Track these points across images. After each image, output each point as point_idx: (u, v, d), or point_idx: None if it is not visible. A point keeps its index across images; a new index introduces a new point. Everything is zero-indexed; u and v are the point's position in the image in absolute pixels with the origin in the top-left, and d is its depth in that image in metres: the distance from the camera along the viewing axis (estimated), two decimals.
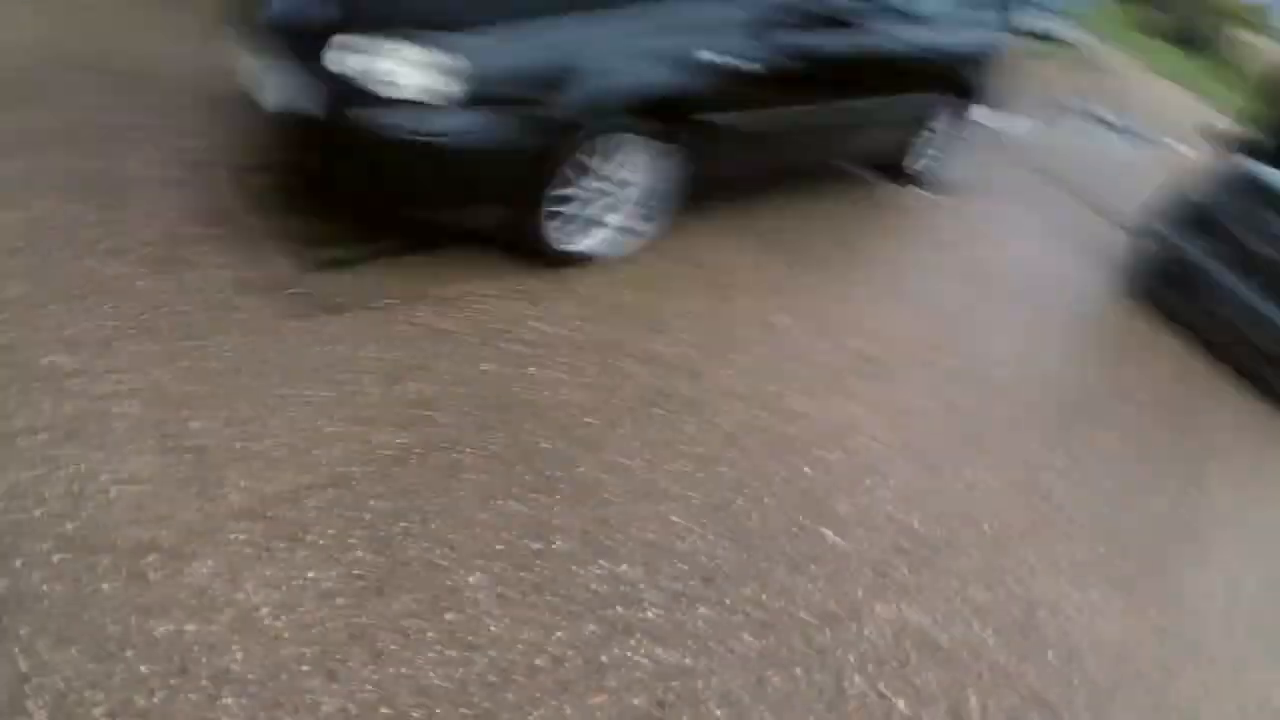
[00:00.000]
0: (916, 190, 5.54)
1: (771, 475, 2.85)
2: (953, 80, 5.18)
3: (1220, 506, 3.71)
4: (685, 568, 2.41)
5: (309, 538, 2.10)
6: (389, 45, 2.73)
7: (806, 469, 2.94)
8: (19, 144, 3.12)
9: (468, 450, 2.50)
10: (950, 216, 5.41)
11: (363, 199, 3.07)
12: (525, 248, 3.33)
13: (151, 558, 1.95)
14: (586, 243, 3.50)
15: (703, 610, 2.30)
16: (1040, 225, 5.89)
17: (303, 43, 2.85)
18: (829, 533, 2.71)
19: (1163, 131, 9.97)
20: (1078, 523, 3.22)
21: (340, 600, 1.99)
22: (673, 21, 3.30)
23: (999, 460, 3.36)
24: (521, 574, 2.21)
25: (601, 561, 2.33)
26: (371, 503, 2.24)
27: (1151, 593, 3.03)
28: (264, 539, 2.06)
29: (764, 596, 2.41)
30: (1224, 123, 7.06)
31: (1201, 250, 5.03)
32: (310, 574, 2.02)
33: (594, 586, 2.25)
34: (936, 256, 4.84)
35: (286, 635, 1.89)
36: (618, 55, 3.10)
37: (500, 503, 2.38)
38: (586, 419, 2.78)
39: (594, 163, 3.27)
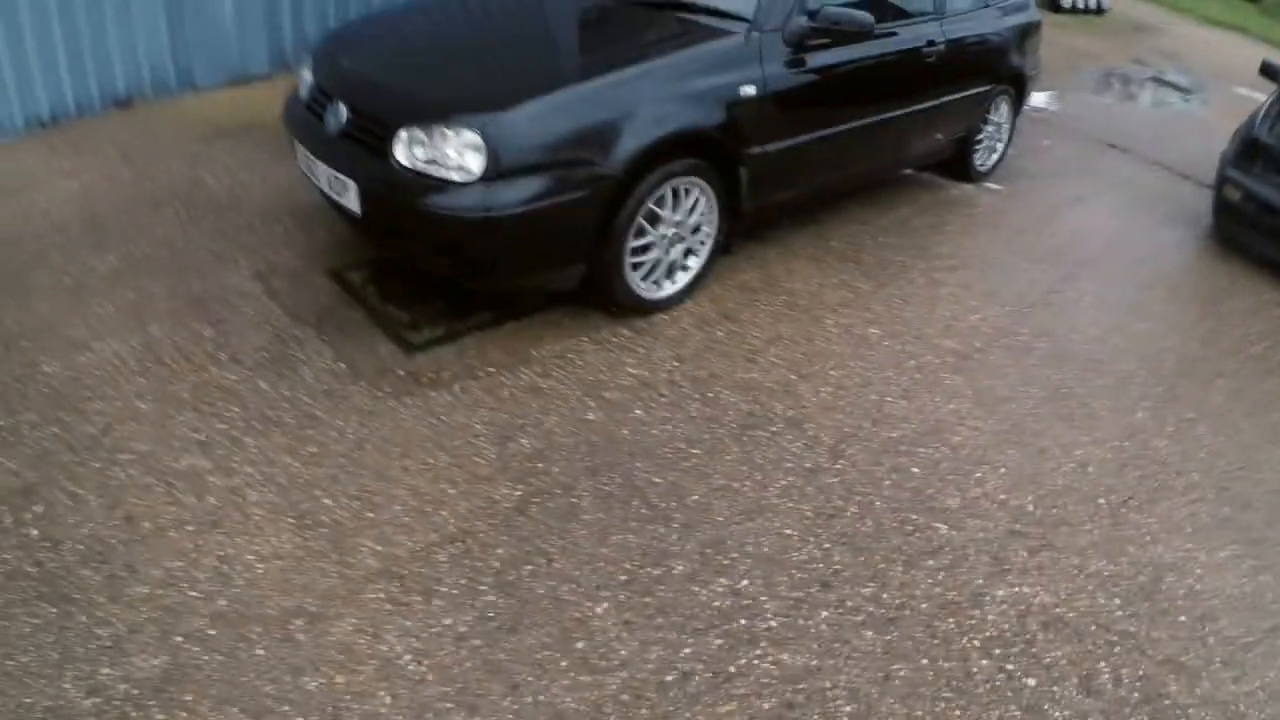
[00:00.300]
0: (983, 184, 5.52)
1: (879, 479, 2.89)
2: (1001, 69, 5.18)
3: None
4: (802, 576, 2.47)
5: (441, 589, 2.26)
6: (433, 132, 2.93)
7: (915, 469, 2.97)
8: (124, 276, 3.41)
9: (582, 494, 2.64)
10: (1020, 203, 5.37)
11: (446, 278, 3.30)
12: (614, 302, 3.46)
13: (298, 622, 2.14)
14: (671, 288, 3.61)
15: (824, 614, 2.36)
16: (1113, 196, 5.77)
17: (365, 142, 3.09)
18: (943, 527, 2.73)
19: (1229, 80, 9.63)
20: (1198, 485, 3.15)
21: (476, 641, 2.14)
22: (708, 62, 3.41)
23: (1107, 434, 3.32)
24: (645, 599, 2.32)
25: (721, 580, 2.42)
26: (497, 551, 2.40)
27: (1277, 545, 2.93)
28: (400, 594, 2.23)
29: (884, 594, 2.45)
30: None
31: (1271, 185, 4.89)
32: (446, 621, 2.18)
33: (715, 603, 2.34)
34: (1013, 245, 4.81)
35: (429, 678, 2.04)
36: (659, 104, 3.20)
37: (618, 537, 2.50)
38: (693, 450, 2.89)
39: (664, 210, 3.39)
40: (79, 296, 3.26)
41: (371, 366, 3.05)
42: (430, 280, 3.42)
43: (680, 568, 2.43)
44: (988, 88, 5.10)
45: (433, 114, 2.96)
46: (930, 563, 2.59)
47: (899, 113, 4.41)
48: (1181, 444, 3.36)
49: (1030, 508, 2.88)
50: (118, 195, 4.00)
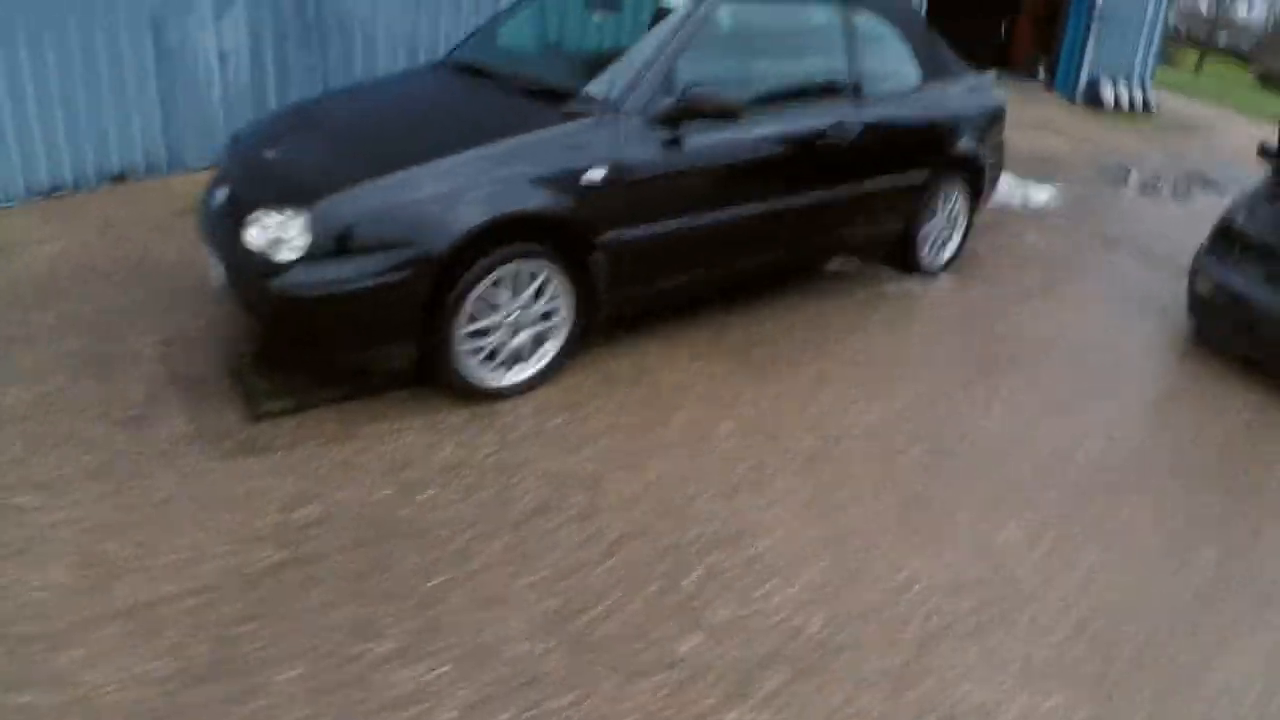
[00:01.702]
0: (934, 279, 5.23)
1: (647, 582, 2.65)
2: (945, 156, 4.95)
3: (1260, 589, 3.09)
4: (507, 672, 2.29)
5: (166, 634, 2.29)
6: (271, 216, 3.04)
7: (695, 574, 2.72)
8: (54, 332, 3.64)
9: (334, 565, 2.57)
10: (968, 300, 5.06)
11: (288, 353, 3.33)
12: (447, 385, 3.36)
13: (39, 645, 2.23)
14: (518, 374, 3.48)
15: (504, 715, 2.15)
16: (1085, 292, 5.39)
17: (230, 224, 3.20)
18: (694, 640, 2.46)
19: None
20: (1050, 619, 2.77)
21: (171, 686, 2.16)
22: (551, 145, 3.32)
23: (955, 551, 2.99)
24: (334, 672, 2.23)
25: (419, 665, 2.28)
26: (230, 608, 2.39)
27: (1136, 702, 2.52)
28: (130, 634, 2.28)
29: (583, 704, 2.21)
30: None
31: (1247, 276, 4.47)
32: (154, 664, 2.21)
33: (398, 688, 2.21)
34: (939, 343, 4.51)
35: (117, 713, 2.09)
36: (489, 187, 3.14)
37: (345, 610, 2.42)
38: (464, 534, 2.75)
39: (501, 295, 3.31)
40: (7, 347, 3.51)
41: (215, 430, 3.10)
42: (279, 353, 3.43)
43: (386, 647, 2.32)
44: (927, 177, 4.86)
45: (274, 198, 3.07)
46: (658, 677, 2.32)
47: (801, 202, 4.21)
48: (1049, 569, 2.98)
49: (814, 628, 2.57)
50: (82, 260, 4.31)
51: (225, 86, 5.55)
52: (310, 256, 2.96)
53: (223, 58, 5.51)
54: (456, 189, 3.10)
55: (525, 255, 3.28)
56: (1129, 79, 11.07)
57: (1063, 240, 6.31)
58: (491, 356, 3.38)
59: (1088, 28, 10.86)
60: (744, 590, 2.67)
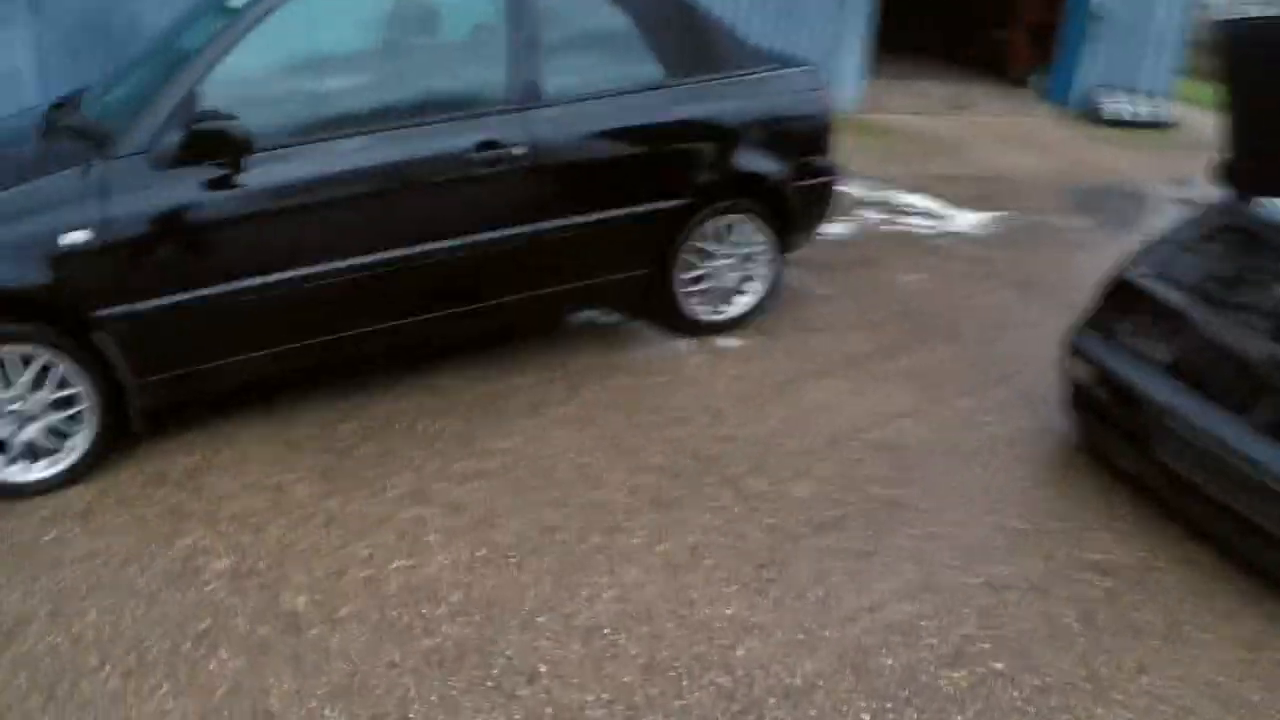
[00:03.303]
0: (712, 339, 3.87)
1: None
2: (714, 178, 3.63)
3: None
4: None
5: None
6: None
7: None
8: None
9: None
10: (749, 370, 3.68)
11: None
12: None
13: None
14: (37, 471, 2.74)
15: None
16: (942, 361, 3.91)
17: None
18: None
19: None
20: None
21: None
22: (13, 207, 2.58)
23: None
24: None
25: None
26: None
27: None
28: None
29: None
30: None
31: (1147, 359, 2.92)
32: None
33: None
34: (647, 440, 3.17)
35: None
36: None
37: None
38: None
39: None
40: None
41: None
42: None
43: None
44: (679, 206, 3.54)
45: None
46: None
47: (435, 251, 3.07)
48: None
49: None
50: None
51: None
52: None
53: None
54: None
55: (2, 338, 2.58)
56: (1137, 91, 9.40)
57: (957, 284, 4.83)
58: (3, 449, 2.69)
59: (1084, 34, 9.28)
60: None
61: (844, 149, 5.21)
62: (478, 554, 2.58)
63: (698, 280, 3.78)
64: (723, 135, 3.61)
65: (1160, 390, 2.80)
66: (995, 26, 10.81)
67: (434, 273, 3.12)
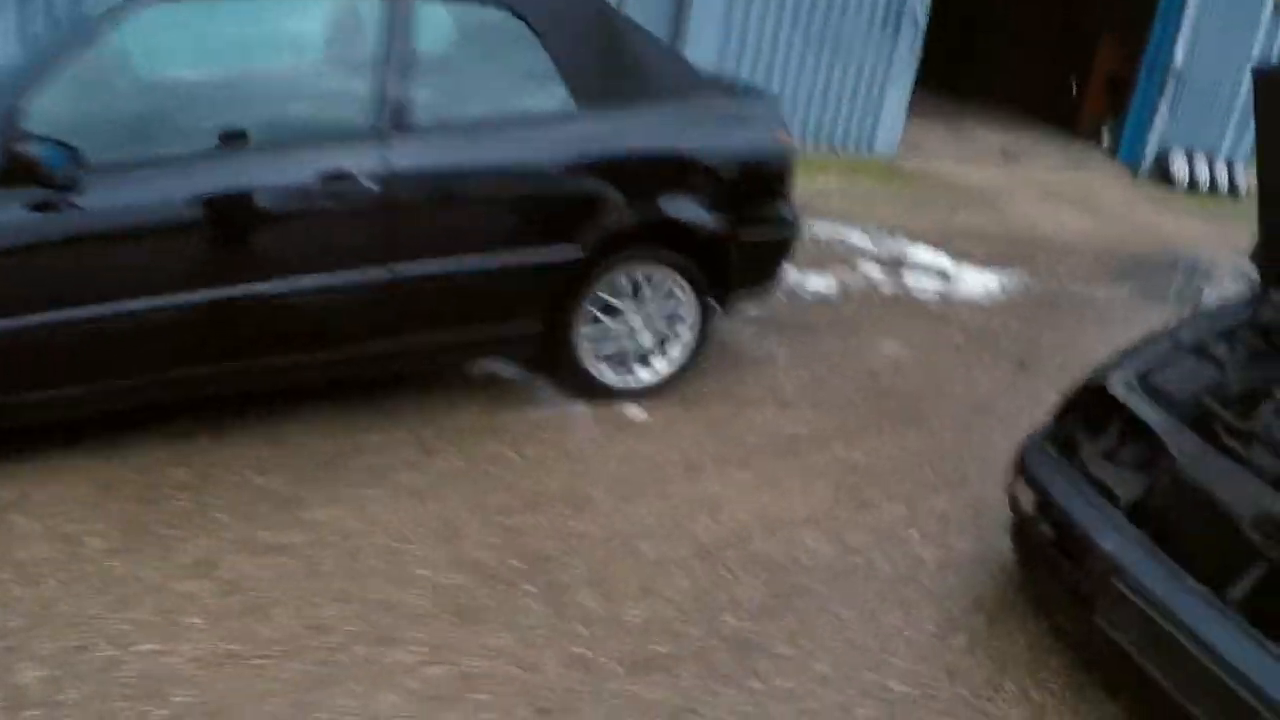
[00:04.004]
0: (618, 400, 3.38)
1: None
2: (640, 220, 3.15)
3: None
4: None
5: None
6: None
7: None
8: None
9: None
10: (645, 451, 3.16)
11: None
12: None
13: None
14: None
15: None
16: (889, 458, 3.32)
17: None
18: None
19: None
20: None
21: None
22: None
23: None
24: None
25: None
26: None
27: None
28: None
29: None
30: None
31: (1111, 504, 2.28)
32: None
33: None
34: (506, 520, 2.70)
35: None
36: None
37: None
38: None
39: None
40: None
41: None
42: None
43: None
44: (579, 254, 3.07)
45: None
46: None
47: (272, 287, 2.71)
48: None
49: None
50: None
51: None
52: None
53: None
54: None
55: None
56: (1213, 155, 8.54)
57: (944, 358, 4.22)
58: None
59: (1161, 90, 8.47)
60: None
61: (866, 192, 4.78)
62: (229, 648, 2.15)
63: (605, 340, 3.28)
64: (639, 175, 3.14)
65: (1112, 538, 2.19)
66: (1065, 72, 10.04)
67: (277, 314, 2.75)
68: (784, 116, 3.54)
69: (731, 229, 3.32)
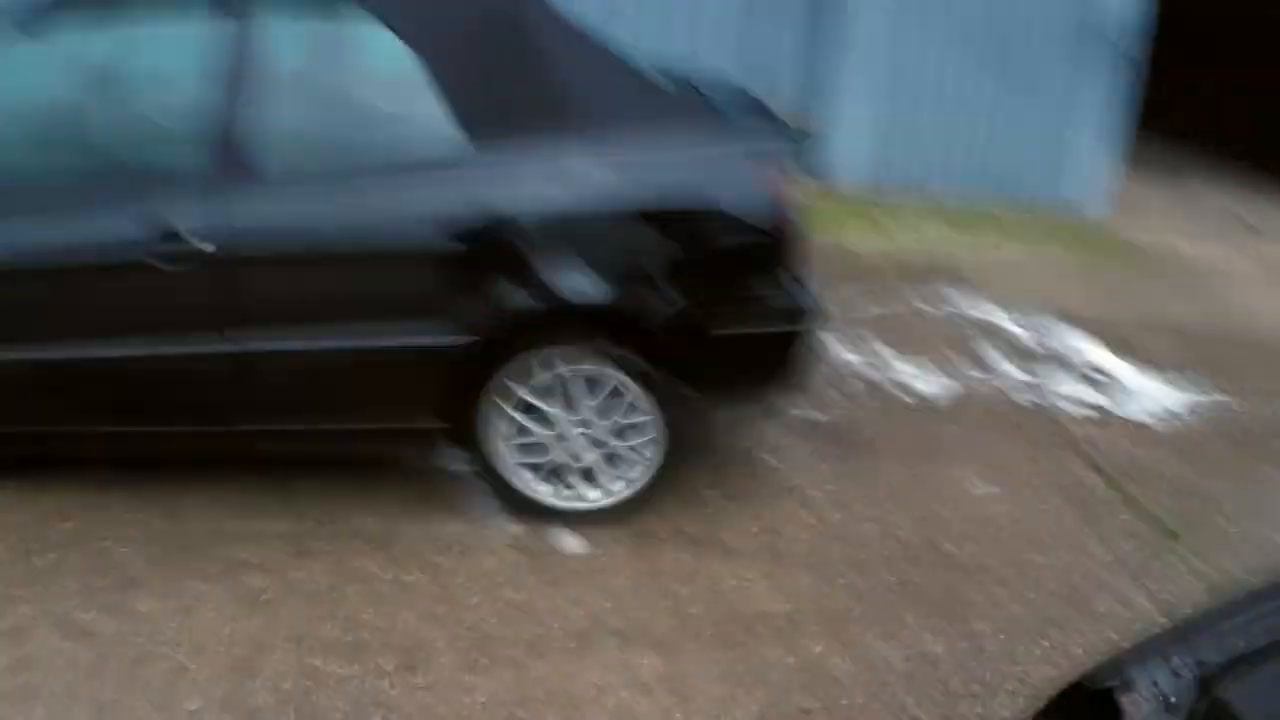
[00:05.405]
0: (558, 521, 2.68)
1: None
2: (556, 302, 2.45)
3: None
4: None
5: None
6: None
7: None
8: None
9: None
10: (555, 606, 2.42)
11: None
12: None
13: None
14: None
15: None
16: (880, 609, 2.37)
17: None
18: None
19: None
20: None
21: None
22: None
23: None
24: None
25: None
26: None
27: None
28: None
29: None
30: None
31: None
32: None
33: None
34: (310, 662, 2.13)
35: None
36: None
37: None
38: None
39: None
40: None
41: None
42: None
43: None
44: (464, 341, 2.40)
45: None
46: None
47: (107, 354, 2.37)
48: None
49: None
50: None
51: None
52: None
53: None
54: None
55: None
56: None
57: (1053, 513, 3.11)
58: None
59: None
60: None
61: (1043, 261, 3.70)
62: None
63: (535, 448, 2.57)
64: (552, 238, 2.39)
65: None
66: None
67: (97, 380, 2.31)
68: (799, 154, 2.61)
69: (694, 318, 2.49)
